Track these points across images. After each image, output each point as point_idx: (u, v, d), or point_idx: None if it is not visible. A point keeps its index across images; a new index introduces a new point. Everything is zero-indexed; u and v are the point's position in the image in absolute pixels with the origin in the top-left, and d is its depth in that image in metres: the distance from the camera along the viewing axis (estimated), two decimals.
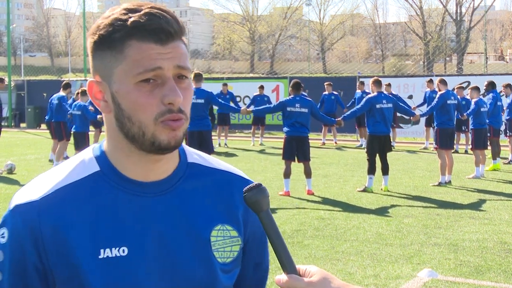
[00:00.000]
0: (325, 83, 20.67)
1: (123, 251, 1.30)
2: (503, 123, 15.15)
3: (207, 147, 11.14)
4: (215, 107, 14.61)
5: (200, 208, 1.40)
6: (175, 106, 1.28)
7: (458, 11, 61.37)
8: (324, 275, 1.26)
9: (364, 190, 11.26)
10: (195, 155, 1.47)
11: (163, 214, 1.35)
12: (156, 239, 1.33)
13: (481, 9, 62.11)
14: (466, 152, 17.70)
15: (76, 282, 1.29)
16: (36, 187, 1.34)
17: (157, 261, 1.33)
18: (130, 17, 1.27)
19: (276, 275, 1.33)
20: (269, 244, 1.35)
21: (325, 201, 10.39)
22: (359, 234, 7.99)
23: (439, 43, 61.05)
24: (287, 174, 10.87)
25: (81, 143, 13.50)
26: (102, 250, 1.29)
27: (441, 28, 63.08)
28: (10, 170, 13.67)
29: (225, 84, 20.57)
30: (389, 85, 18.06)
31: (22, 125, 31.26)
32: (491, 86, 14.47)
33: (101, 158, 1.37)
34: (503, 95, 16.19)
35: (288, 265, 1.26)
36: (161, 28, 1.27)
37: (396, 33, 74.56)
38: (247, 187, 1.30)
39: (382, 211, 9.51)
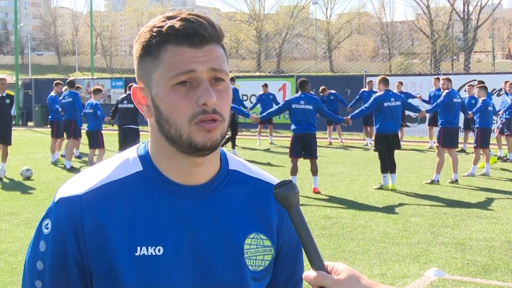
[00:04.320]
0: (321, 88, 20.32)
1: (159, 250, 1.34)
2: (504, 121, 15.36)
3: None
4: None
5: (236, 215, 1.42)
6: (209, 107, 1.30)
7: (466, 9, 61.16)
8: (352, 273, 1.27)
9: (381, 188, 11.30)
10: (237, 162, 1.50)
11: (200, 218, 1.38)
12: (191, 241, 1.37)
13: (489, 7, 61.88)
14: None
15: (111, 276, 1.34)
16: (81, 182, 1.39)
17: (190, 263, 1.36)
18: (167, 24, 1.32)
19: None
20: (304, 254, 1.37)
21: (332, 200, 10.38)
22: (366, 233, 7.98)
23: (446, 42, 60.87)
24: (293, 171, 10.88)
25: (95, 142, 13.47)
26: (138, 248, 1.34)
27: (448, 27, 62.89)
28: (27, 177, 12.58)
29: (232, 79, 19.69)
30: (401, 83, 18.15)
31: (30, 123, 31.38)
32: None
33: (145, 158, 1.41)
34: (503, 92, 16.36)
35: (316, 262, 1.27)
36: (195, 32, 1.31)
37: (403, 31, 74.36)
38: (277, 183, 1.32)
39: (389, 210, 9.49)
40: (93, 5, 40.67)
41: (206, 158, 1.37)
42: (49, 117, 16.18)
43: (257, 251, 1.43)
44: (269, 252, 1.45)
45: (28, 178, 12.57)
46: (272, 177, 1.55)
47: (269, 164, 15.18)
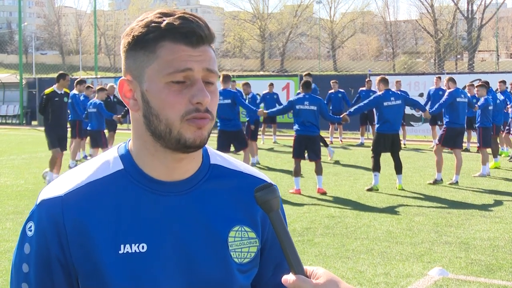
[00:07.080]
0: (331, 81, 20.53)
1: (143, 247, 1.35)
2: (509, 120, 15.35)
3: (240, 144, 11.88)
4: None
5: (220, 209, 1.43)
6: (203, 106, 1.33)
7: (470, 8, 61.04)
8: (331, 277, 1.27)
9: (371, 189, 11.14)
10: (218, 156, 1.51)
11: (183, 213, 1.39)
12: (175, 237, 1.37)
13: (493, 6, 61.65)
14: (478, 151, 17.61)
15: (96, 276, 1.34)
16: (62, 183, 1.39)
17: (175, 259, 1.36)
18: (164, 20, 1.33)
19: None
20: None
21: (336, 199, 10.37)
22: (369, 232, 7.98)
23: (450, 41, 60.77)
24: (297, 172, 10.86)
25: (98, 141, 13.43)
26: (122, 246, 1.34)
27: (452, 26, 62.76)
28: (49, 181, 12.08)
29: (246, 84, 18.75)
30: (399, 82, 18.11)
31: (34, 122, 31.43)
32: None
33: (126, 157, 1.42)
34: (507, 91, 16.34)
35: (295, 266, 1.27)
36: (193, 31, 1.32)
37: (407, 30, 74.19)
38: (258, 186, 1.31)
39: (392, 210, 9.49)
40: (97, 4, 40.68)
41: (189, 154, 1.39)
42: (69, 116, 14.94)
43: (242, 244, 1.43)
44: (254, 244, 1.45)
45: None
46: (255, 170, 1.56)
47: (272, 163, 15.18)
